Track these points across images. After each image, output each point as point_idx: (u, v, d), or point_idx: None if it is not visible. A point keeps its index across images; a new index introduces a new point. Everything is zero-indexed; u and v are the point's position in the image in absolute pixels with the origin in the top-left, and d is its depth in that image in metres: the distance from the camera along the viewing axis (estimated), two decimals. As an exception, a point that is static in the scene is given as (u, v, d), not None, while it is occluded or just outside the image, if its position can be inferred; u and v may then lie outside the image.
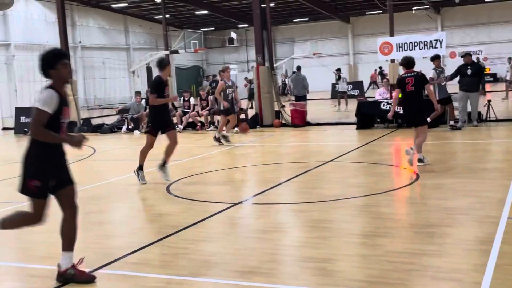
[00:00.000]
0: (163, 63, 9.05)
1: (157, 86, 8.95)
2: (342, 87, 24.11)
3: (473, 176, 8.34)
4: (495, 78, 40.99)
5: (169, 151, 8.91)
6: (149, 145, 8.91)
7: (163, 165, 8.85)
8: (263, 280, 4.48)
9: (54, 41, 27.14)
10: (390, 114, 9.97)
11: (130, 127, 18.38)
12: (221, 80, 14.15)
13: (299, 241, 5.62)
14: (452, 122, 13.99)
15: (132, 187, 8.74)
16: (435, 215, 6.13)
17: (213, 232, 6.06)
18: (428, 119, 9.99)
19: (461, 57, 15.74)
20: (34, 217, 4.63)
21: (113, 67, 41.56)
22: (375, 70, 40.97)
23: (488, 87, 30.91)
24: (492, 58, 42.66)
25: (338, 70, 26.09)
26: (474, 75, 13.97)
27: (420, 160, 8.97)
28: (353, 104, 18.04)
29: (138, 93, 19.30)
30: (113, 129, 18.88)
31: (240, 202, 7.42)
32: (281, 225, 6.30)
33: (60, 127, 4.54)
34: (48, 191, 4.55)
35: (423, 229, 5.66)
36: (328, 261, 4.82)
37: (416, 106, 9.08)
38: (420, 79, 9.06)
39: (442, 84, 13.89)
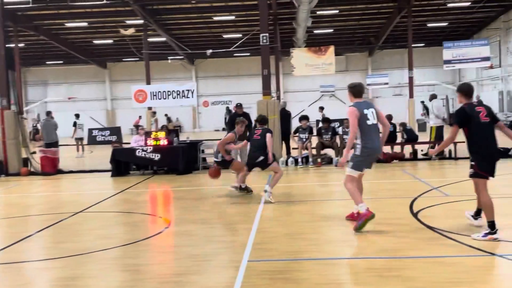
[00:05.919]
0: None
1: None
2: (79, 133, 25.10)
3: (219, 221, 8.80)
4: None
5: None
6: None
7: None
8: None
9: None
10: None
11: None
12: None
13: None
14: None
15: None
16: (183, 263, 6.24)
17: None
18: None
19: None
20: None
21: None
22: (139, 116, 40.96)
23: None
24: (241, 108, 46.35)
25: (77, 116, 26.27)
26: None
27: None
28: (109, 150, 17.72)
29: None
30: None
31: (-28, 264, 6.58)
32: (20, 287, 5.74)
33: None
34: None
35: (171, 278, 5.70)
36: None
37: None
38: None
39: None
